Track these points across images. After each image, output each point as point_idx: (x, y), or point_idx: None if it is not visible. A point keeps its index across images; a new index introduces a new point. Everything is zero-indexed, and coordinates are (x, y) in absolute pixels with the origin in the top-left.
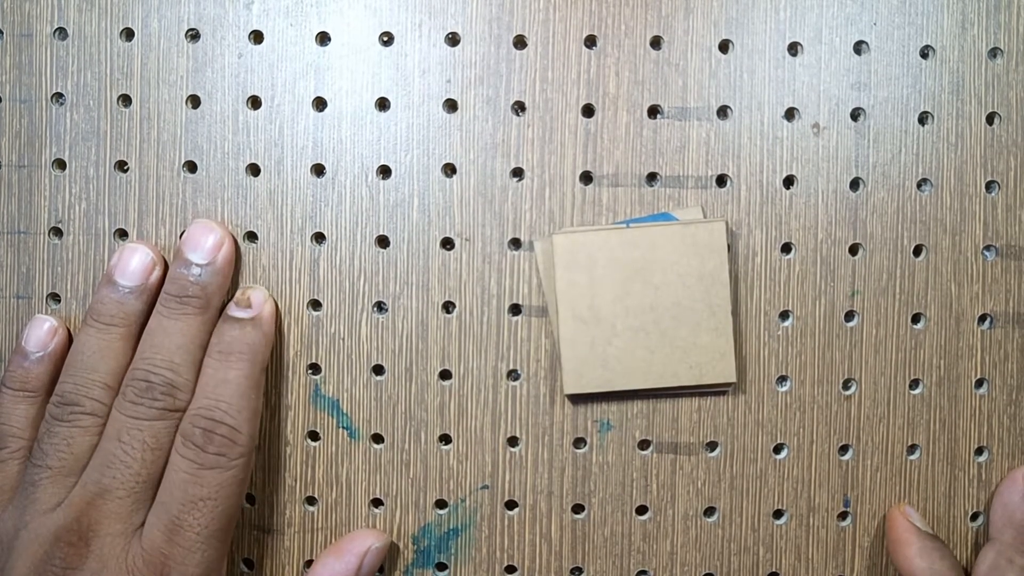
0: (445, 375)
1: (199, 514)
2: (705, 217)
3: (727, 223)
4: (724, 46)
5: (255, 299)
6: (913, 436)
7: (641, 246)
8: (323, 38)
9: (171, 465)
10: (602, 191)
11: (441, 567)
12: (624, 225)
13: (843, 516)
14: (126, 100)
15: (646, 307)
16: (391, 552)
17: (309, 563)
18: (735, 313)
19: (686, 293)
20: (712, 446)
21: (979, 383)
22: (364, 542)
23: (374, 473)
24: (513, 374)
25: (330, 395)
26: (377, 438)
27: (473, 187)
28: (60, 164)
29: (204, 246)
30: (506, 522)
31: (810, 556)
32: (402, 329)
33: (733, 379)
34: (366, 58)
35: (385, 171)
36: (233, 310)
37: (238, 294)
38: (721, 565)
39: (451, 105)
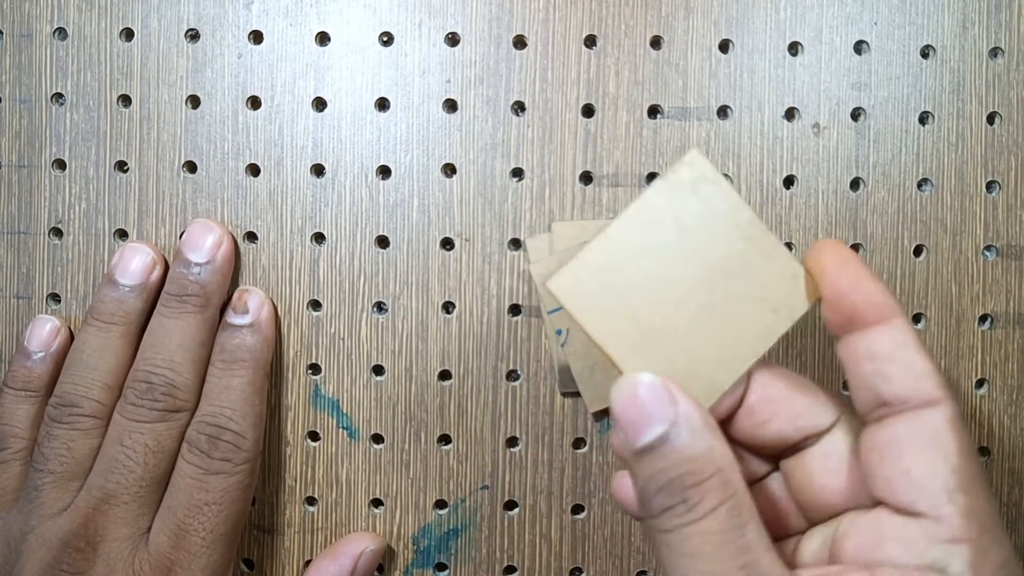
0: (445, 375)
1: (204, 519)
2: None
3: (698, 148)
4: (724, 46)
5: (252, 304)
6: None
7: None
8: (323, 38)
9: (177, 471)
10: (602, 191)
11: (441, 567)
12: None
13: None
14: (126, 100)
15: (686, 289)
16: (391, 552)
17: (309, 563)
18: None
19: (714, 245)
20: None
21: (979, 383)
22: (359, 545)
23: (374, 473)
24: (513, 374)
25: (330, 395)
26: (377, 438)
27: (473, 187)
28: (60, 164)
29: (203, 245)
30: (506, 522)
31: None
32: (402, 329)
33: (820, 292)
34: (366, 58)
35: (385, 171)
36: (232, 317)
37: (235, 298)
38: None
39: (451, 105)
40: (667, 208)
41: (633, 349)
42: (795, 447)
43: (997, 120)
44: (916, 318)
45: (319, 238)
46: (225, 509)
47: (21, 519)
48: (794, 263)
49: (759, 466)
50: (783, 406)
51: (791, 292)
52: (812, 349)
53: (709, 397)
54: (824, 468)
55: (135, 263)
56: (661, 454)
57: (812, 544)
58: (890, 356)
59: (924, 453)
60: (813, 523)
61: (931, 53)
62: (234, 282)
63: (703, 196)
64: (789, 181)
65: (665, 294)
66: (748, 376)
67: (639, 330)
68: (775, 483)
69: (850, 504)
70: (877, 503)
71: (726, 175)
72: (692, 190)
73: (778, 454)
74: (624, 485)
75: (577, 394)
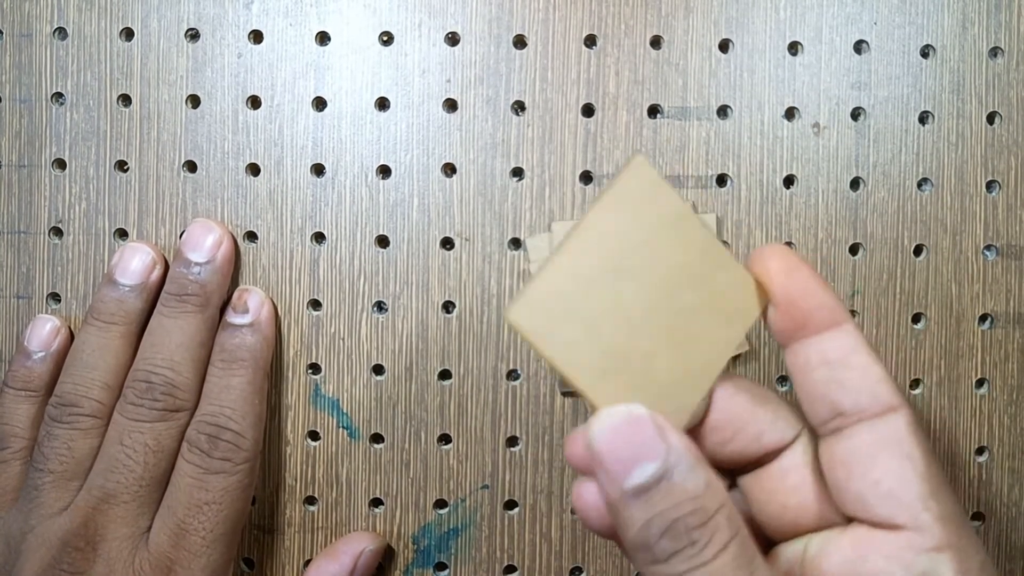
0: (445, 375)
1: (204, 518)
2: (697, 213)
3: (640, 153)
4: (724, 45)
5: (252, 303)
6: None
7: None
8: (323, 38)
9: (177, 470)
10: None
11: (441, 567)
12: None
13: None
14: (126, 100)
15: (656, 302)
16: (391, 552)
17: (309, 563)
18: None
19: (666, 257)
20: None
21: (979, 383)
22: (359, 544)
23: (374, 473)
24: (513, 374)
25: (330, 395)
26: (377, 438)
27: (473, 187)
28: (60, 164)
29: (203, 245)
30: (506, 522)
31: None
32: (402, 329)
33: (768, 299)
34: (366, 58)
35: (385, 171)
36: (232, 316)
37: (234, 298)
38: None
39: (451, 105)
40: (616, 223)
41: (602, 377)
42: (755, 463)
43: (997, 120)
44: (916, 318)
45: (319, 238)
46: (225, 508)
47: (21, 519)
48: (743, 271)
49: None
50: (746, 422)
51: (742, 300)
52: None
53: (679, 420)
54: (785, 485)
55: (135, 263)
56: (659, 494)
57: (779, 564)
58: (844, 362)
59: (892, 463)
60: (773, 541)
61: (931, 53)
62: (234, 282)
63: (650, 207)
64: (789, 181)
65: (625, 314)
66: (711, 392)
67: (605, 355)
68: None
69: (813, 520)
70: (849, 518)
71: (724, 174)
72: (639, 201)
73: (736, 471)
74: (585, 493)
75: (577, 394)
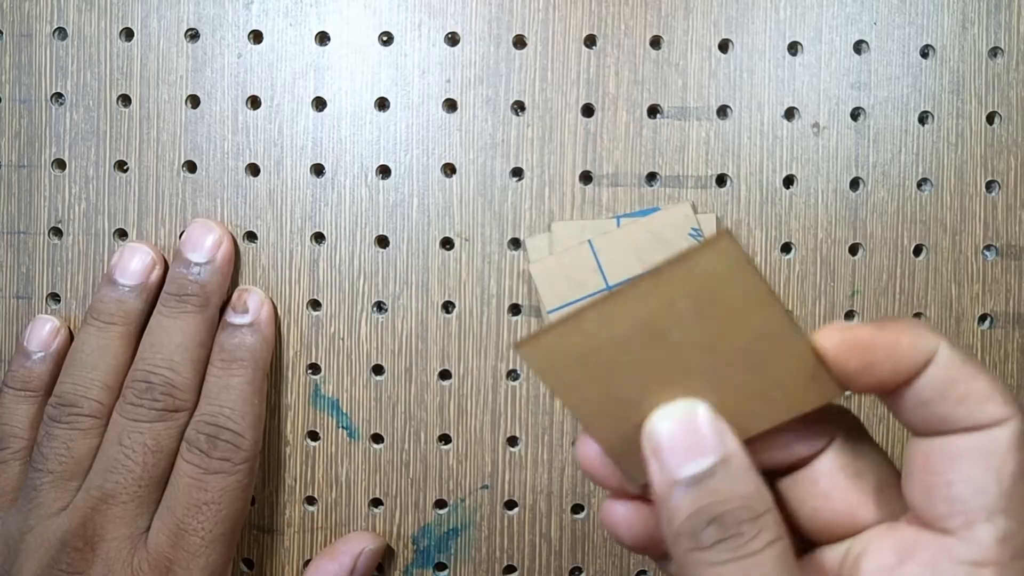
0: (445, 375)
1: (203, 518)
2: (696, 212)
3: (730, 231)
4: (724, 46)
5: (252, 303)
6: None
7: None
8: (323, 38)
9: (176, 470)
10: (602, 191)
11: (441, 567)
12: (615, 221)
13: None
14: (126, 100)
15: (690, 375)
16: (391, 552)
17: (309, 563)
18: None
19: (728, 334)
20: None
21: None
22: (358, 544)
23: (374, 473)
24: (513, 374)
25: (330, 395)
26: (377, 438)
27: (473, 187)
28: (60, 164)
29: (203, 245)
30: (506, 522)
31: None
32: (402, 329)
33: (838, 393)
34: (366, 58)
35: (385, 171)
36: (231, 316)
37: (234, 298)
38: None
39: (451, 105)
40: (677, 293)
41: (614, 425)
42: (787, 468)
43: (997, 120)
44: (916, 318)
45: (319, 238)
46: (224, 509)
47: (20, 519)
48: (811, 356)
49: None
50: (773, 437)
51: (803, 387)
52: None
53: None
54: (816, 490)
55: (135, 263)
56: (711, 487)
57: (821, 566)
58: (943, 395)
59: (975, 470)
60: (813, 544)
61: (931, 53)
62: (234, 282)
63: (728, 285)
64: (789, 181)
65: (663, 376)
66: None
67: (615, 402)
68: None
69: (846, 522)
70: (904, 513)
71: (724, 174)
72: (717, 278)
73: (771, 474)
74: (617, 509)
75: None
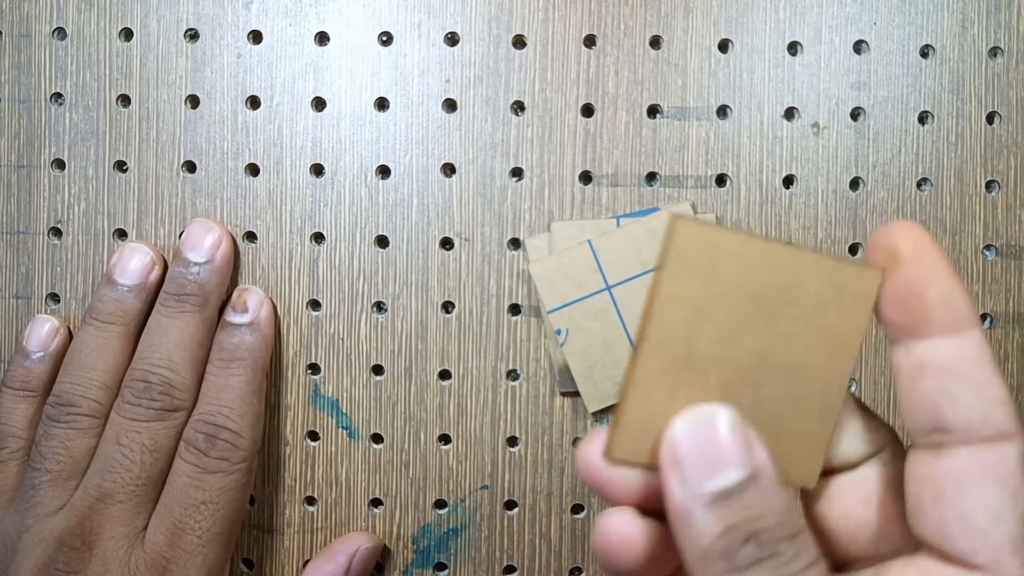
0: (445, 375)
1: (201, 518)
2: (696, 212)
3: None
4: (724, 46)
5: (252, 303)
6: None
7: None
8: (322, 38)
9: (174, 469)
10: (601, 191)
11: (440, 567)
12: (614, 221)
13: None
14: (125, 100)
15: (753, 354)
16: (391, 552)
17: (308, 563)
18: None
19: (808, 353)
20: None
21: None
22: (354, 543)
23: (373, 473)
24: (513, 374)
25: (330, 395)
26: (376, 438)
27: (472, 187)
28: (59, 164)
29: (203, 245)
30: (506, 522)
31: None
32: (402, 329)
33: (812, 484)
34: (365, 58)
35: (384, 171)
36: (231, 315)
37: (234, 297)
38: None
39: (450, 105)
40: (817, 284)
41: (661, 356)
42: (827, 471)
43: (996, 120)
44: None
45: (318, 238)
46: (222, 508)
47: (18, 518)
48: (824, 443)
49: None
50: (838, 432)
51: (795, 460)
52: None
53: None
54: (852, 496)
55: (134, 263)
56: (743, 502)
57: None
58: (961, 373)
59: (991, 496)
60: (837, 567)
61: (930, 53)
62: (233, 282)
63: (845, 312)
64: (789, 181)
65: (737, 343)
66: (837, 425)
67: (685, 350)
68: None
69: (871, 544)
70: (919, 545)
71: (723, 174)
72: (841, 300)
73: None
74: (614, 525)
75: (577, 394)
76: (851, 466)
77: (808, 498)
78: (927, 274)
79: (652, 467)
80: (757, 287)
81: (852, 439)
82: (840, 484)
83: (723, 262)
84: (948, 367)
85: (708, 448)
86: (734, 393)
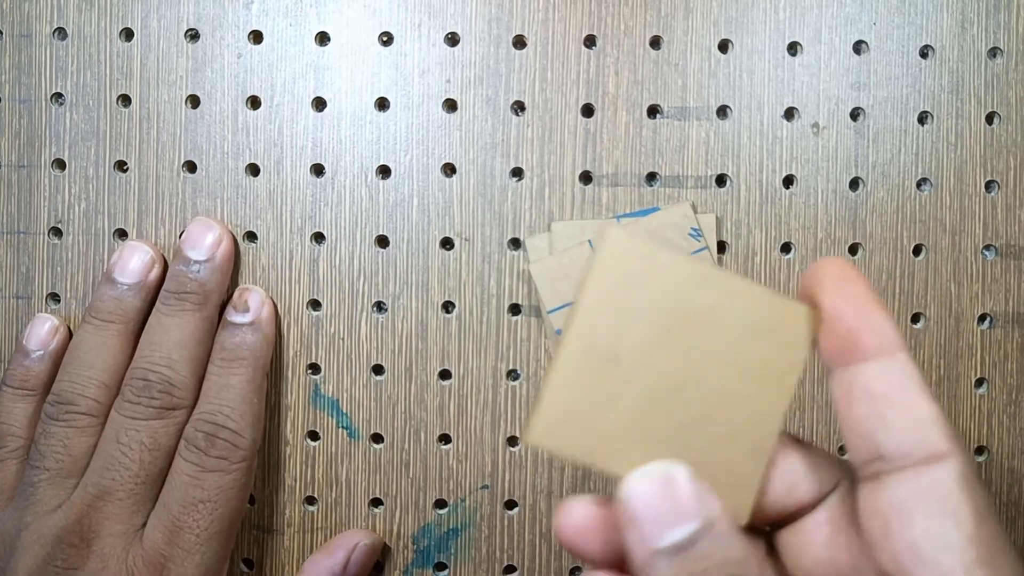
0: (445, 375)
1: (199, 516)
2: (696, 212)
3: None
4: (724, 46)
5: (252, 302)
6: None
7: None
8: (323, 38)
9: (174, 468)
10: (602, 191)
11: (441, 567)
12: (615, 221)
13: None
14: (126, 100)
15: (680, 373)
16: (391, 552)
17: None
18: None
19: (739, 383)
20: None
21: (979, 383)
22: (352, 539)
23: (374, 473)
24: (513, 374)
25: (330, 395)
26: (377, 438)
27: (473, 187)
28: (60, 164)
29: (203, 243)
30: (506, 522)
31: None
32: (402, 329)
33: (744, 521)
34: (366, 58)
35: (385, 171)
36: (232, 315)
37: (235, 296)
38: None
39: (451, 105)
40: (748, 311)
41: (585, 350)
42: (788, 517)
43: (996, 120)
44: (915, 318)
45: (319, 238)
46: (220, 507)
47: (17, 516)
48: (756, 479)
49: None
50: (775, 475)
51: (725, 491)
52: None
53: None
54: (817, 540)
55: (134, 261)
56: (696, 555)
57: None
58: (889, 397)
59: (931, 522)
60: None
61: (930, 53)
62: (234, 282)
63: (778, 348)
64: (788, 181)
65: (661, 353)
66: (772, 456)
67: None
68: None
69: None
70: None
71: (723, 174)
72: (774, 334)
73: (768, 527)
74: (567, 525)
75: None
76: (808, 508)
77: (777, 556)
78: (849, 300)
79: (569, 458)
80: (683, 306)
81: (801, 480)
82: (803, 531)
83: (651, 277)
84: (877, 392)
85: (662, 504)
86: (658, 405)
